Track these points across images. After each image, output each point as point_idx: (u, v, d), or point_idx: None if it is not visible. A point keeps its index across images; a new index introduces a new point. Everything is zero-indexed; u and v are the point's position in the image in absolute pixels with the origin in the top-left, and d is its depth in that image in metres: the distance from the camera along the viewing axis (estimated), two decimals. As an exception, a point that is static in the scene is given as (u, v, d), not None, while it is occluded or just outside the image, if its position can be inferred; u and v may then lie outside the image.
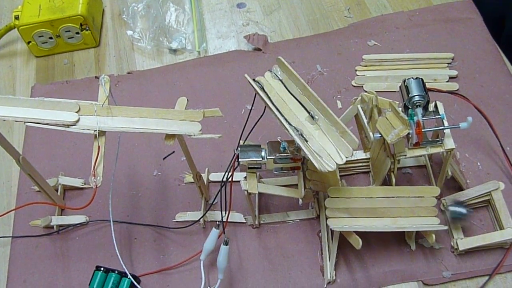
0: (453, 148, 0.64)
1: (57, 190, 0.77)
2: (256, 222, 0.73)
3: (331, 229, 0.66)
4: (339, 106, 0.84)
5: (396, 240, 0.69)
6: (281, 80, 0.62)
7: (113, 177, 0.68)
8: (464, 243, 0.67)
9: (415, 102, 0.63)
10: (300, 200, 0.65)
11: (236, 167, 0.64)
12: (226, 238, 0.64)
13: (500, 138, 0.74)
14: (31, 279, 0.72)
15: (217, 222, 0.65)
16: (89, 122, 0.60)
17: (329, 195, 0.65)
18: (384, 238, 0.69)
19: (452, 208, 0.67)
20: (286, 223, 0.73)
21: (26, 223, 0.76)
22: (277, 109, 0.60)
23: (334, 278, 0.67)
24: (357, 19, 0.96)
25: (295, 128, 0.58)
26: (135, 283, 0.67)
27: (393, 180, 0.67)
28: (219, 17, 1.00)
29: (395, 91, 0.83)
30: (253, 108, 0.64)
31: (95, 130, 0.60)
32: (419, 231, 0.67)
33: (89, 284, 0.66)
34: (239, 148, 0.64)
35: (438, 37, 0.90)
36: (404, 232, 0.69)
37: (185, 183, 0.79)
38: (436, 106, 0.65)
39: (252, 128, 0.64)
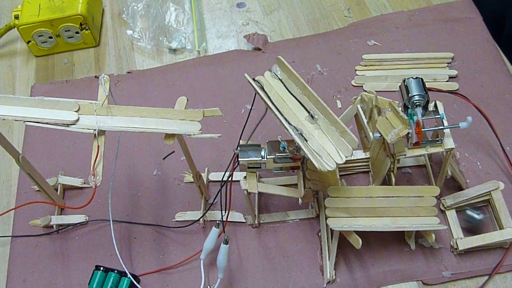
0: (453, 148, 0.64)
1: (56, 190, 0.77)
2: (256, 222, 0.73)
3: (331, 228, 0.66)
4: (339, 105, 0.84)
5: (396, 240, 0.69)
6: (281, 80, 0.62)
7: (112, 177, 0.68)
8: (464, 242, 0.67)
9: (415, 101, 0.63)
10: (300, 199, 0.65)
11: (236, 166, 0.64)
12: (226, 237, 0.64)
13: (500, 138, 0.74)
14: (31, 278, 0.72)
15: (217, 221, 0.65)
16: (88, 121, 0.60)
17: (329, 195, 0.65)
18: (384, 237, 0.69)
19: (469, 212, 0.68)
20: (285, 222, 0.73)
21: (25, 222, 0.76)
22: (277, 108, 0.59)
23: (333, 277, 0.67)
24: (357, 18, 0.96)
25: (295, 127, 0.58)
26: (135, 283, 0.67)
27: (393, 179, 0.67)
28: (219, 16, 1.00)
29: (395, 91, 0.83)
30: (253, 107, 0.64)
31: (95, 130, 0.59)
32: (418, 231, 0.67)
33: (88, 284, 0.66)
34: (238, 148, 0.63)
35: (438, 37, 0.90)
36: (403, 231, 0.69)
37: (185, 182, 0.79)
38: (435, 105, 0.65)
39: (255, 129, 0.63)
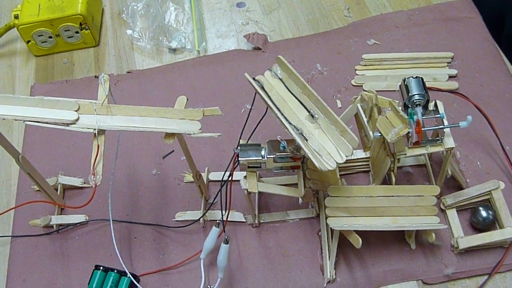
0: (453, 147, 0.64)
1: (56, 190, 0.77)
2: (256, 221, 0.73)
3: (331, 228, 0.66)
4: (339, 105, 0.84)
5: (396, 239, 0.69)
6: (281, 79, 0.62)
7: (112, 176, 0.68)
8: (464, 242, 0.67)
9: (415, 101, 0.63)
10: (300, 199, 0.65)
11: (236, 166, 0.64)
12: (226, 237, 0.64)
13: (500, 137, 0.74)
14: (31, 278, 0.72)
15: (217, 221, 0.65)
16: (88, 120, 0.60)
17: (329, 194, 0.65)
18: (384, 237, 0.69)
19: (482, 212, 0.68)
20: (286, 222, 0.73)
21: (25, 222, 0.76)
22: (277, 108, 0.59)
23: (334, 277, 0.67)
24: (357, 18, 0.96)
25: (295, 127, 0.58)
26: (135, 282, 0.67)
27: (393, 179, 0.67)
28: (219, 16, 1.00)
29: (395, 90, 0.83)
30: (253, 107, 0.64)
31: (95, 129, 0.59)
32: (419, 230, 0.67)
33: (88, 283, 0.66)
34: (239, 147, 0.63)
35: (438, 36, 0.90)
36: (404, 231, 0.69)
37: (185, 182, 0.79)
38: (436, 105, 0.65)
39: (255, 129, 0.63)
